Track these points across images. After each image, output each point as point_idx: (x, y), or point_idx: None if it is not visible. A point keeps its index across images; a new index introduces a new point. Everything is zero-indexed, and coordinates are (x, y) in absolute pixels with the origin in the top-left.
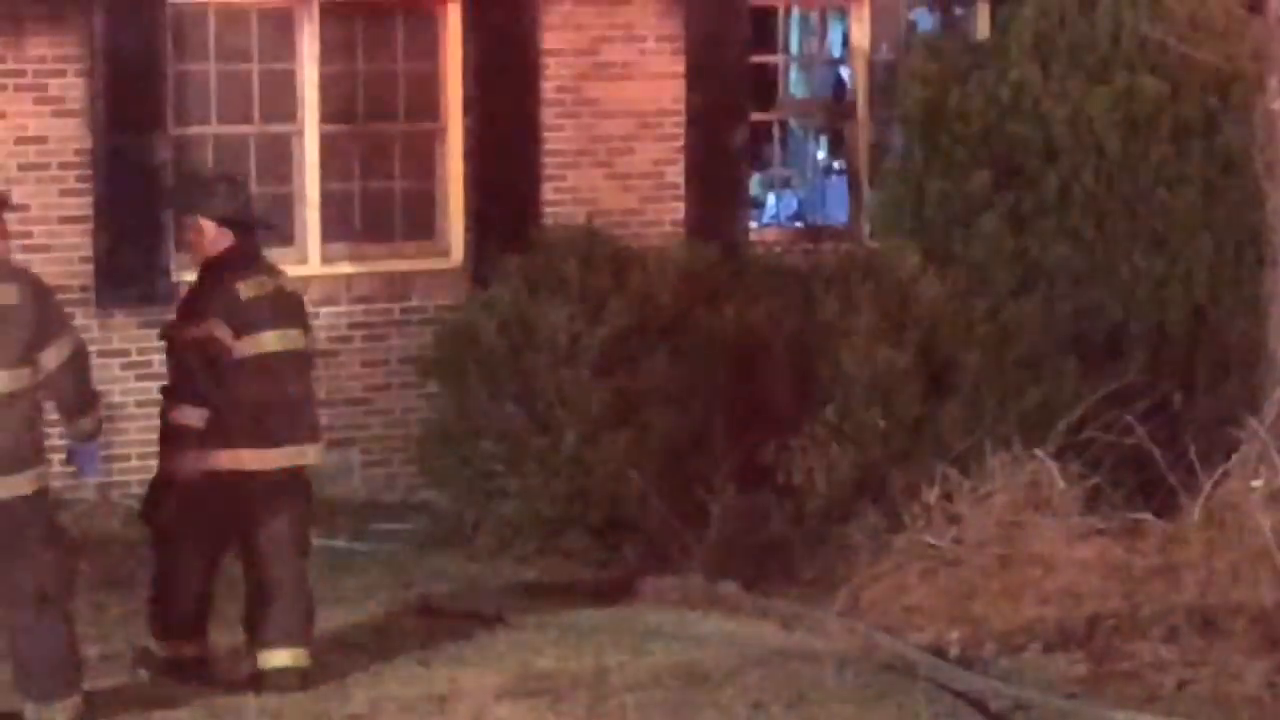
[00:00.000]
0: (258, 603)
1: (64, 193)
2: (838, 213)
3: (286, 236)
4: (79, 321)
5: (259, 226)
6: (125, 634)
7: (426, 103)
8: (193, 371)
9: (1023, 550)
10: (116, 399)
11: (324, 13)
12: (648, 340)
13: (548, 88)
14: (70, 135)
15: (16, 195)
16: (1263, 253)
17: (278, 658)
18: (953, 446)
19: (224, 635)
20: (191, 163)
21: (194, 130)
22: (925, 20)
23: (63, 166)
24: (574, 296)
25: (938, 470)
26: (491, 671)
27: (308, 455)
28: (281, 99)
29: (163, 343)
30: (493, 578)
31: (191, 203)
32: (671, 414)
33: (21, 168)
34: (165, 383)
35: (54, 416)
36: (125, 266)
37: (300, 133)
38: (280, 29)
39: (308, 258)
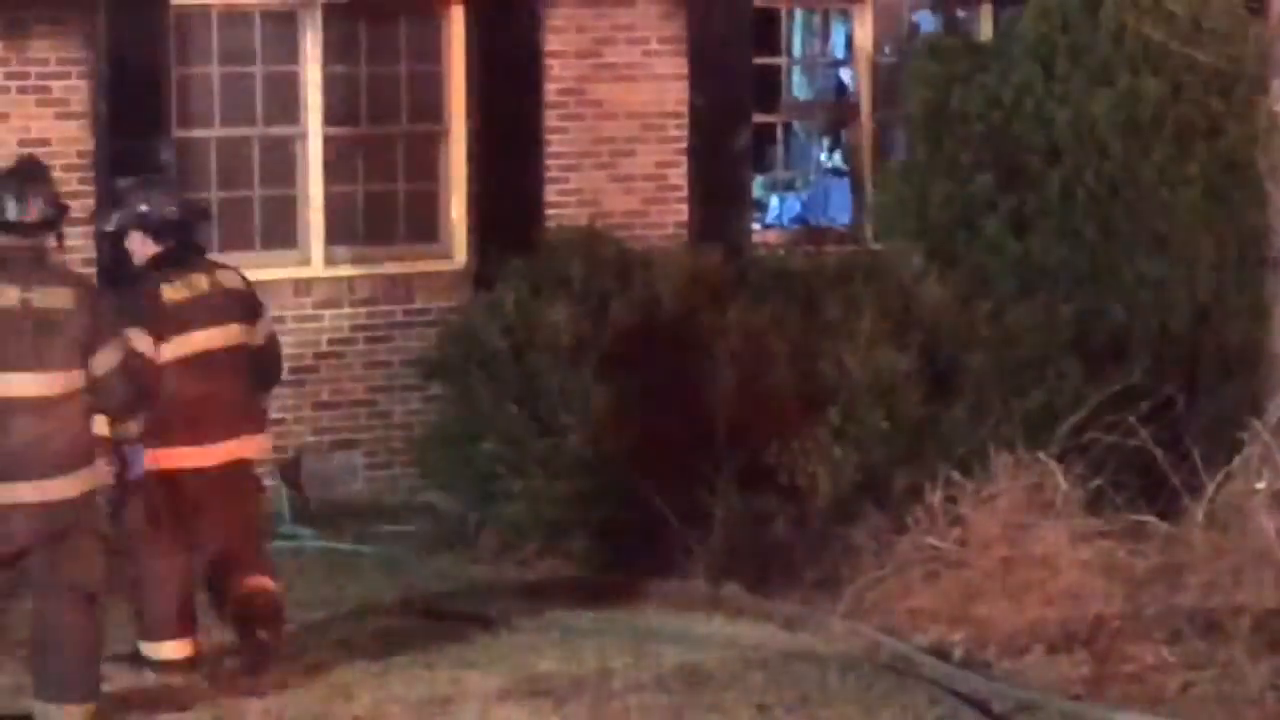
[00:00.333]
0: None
1: (67, 195)
2: (840, 215)
3: (290, 239)
4: None
5: (190, 226)
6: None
7: (430, 105)
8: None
9: (1026, 552)
10: None
11: (327, 15)
12: (651, 342)
13: (551, 90)
14: (73, 138)
15: None
16: (1265, 254)
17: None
18: (956, 448)
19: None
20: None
21: (197, 133)
22: (928, 22)
23: (66, 169)
24: (577, 298)
25: (941, 472)
26: (495, 673)
27: (250, 448)
28: (285, 101)
29: None
30: (496, 580)
31: (122, 224)
32: (674, 416)
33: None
34: None
35: None
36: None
37: (303, 135)
38: (283, 31)
39: (311, 260)
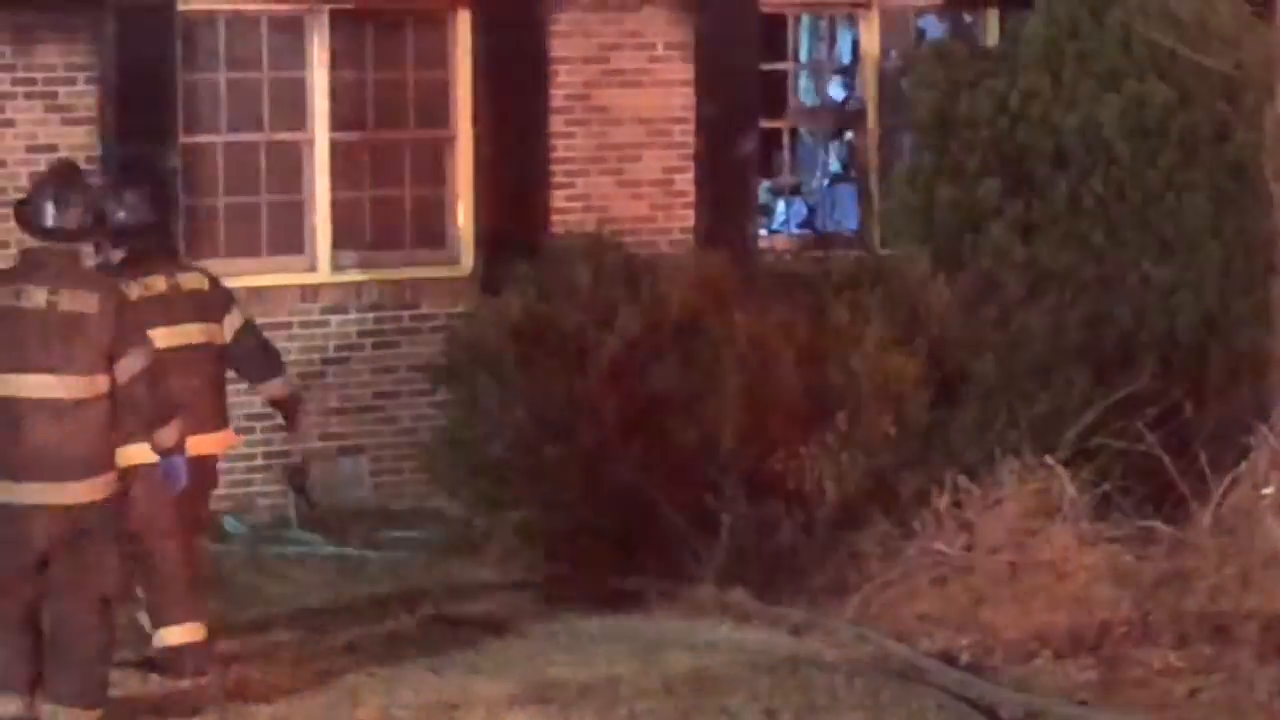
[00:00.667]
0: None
1: None
2: (847, 220)
3: (297, 244)
4: None
5: (151, 229)
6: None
7: (436, 110)
8: None
9: (1033, 557)
10: None
11: (334, 21)
12: (658, 348)
13: (557, 95)
14: (80, 144)
15: None
16: (1273, 260)
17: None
18: (963, 454)
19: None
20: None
21: (204, 138)
22: (934, 27)
23: None
24: (584, 304)
25: (948, 477)
26: (503, 679)
27: (215, 444)
28: (292, 107)
29: None
30: (503, 585)
31: (92, 231)
32: (682, 422)
33: (32, 176)
34: None
35: None
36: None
37: (310, 141)
38: (290, 37)
39: (318, 265)
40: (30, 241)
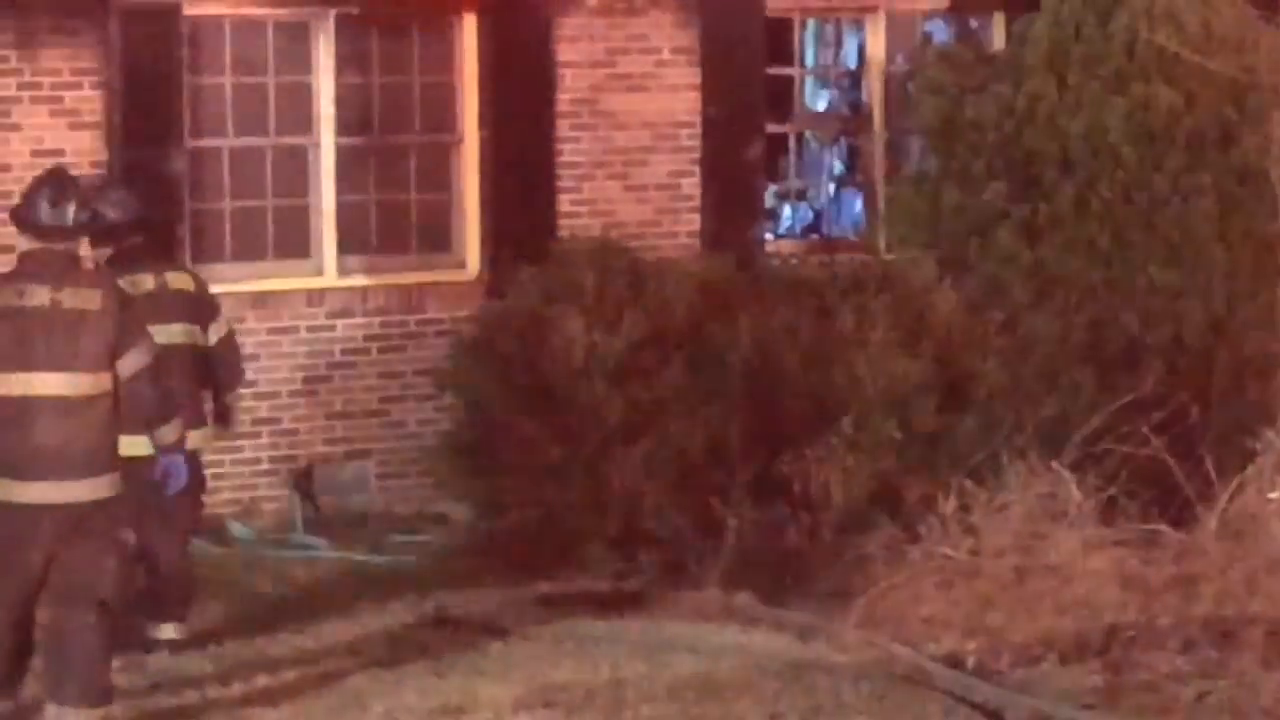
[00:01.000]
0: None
1: None
2: (853, 224)
3: (302, 249)
4: None
5: (139, 228)
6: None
7: (442, 115)
8: None
9: (1039, 561)
10: None
11: (340, 25)
12: (663, 352)
13: (563, 99)
14: (86, 148)
15: None
16: (1279, 263)
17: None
18: (969, 458)
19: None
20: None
21: (210, 142)
22: (940, 31)
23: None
24: (590, 308)
25: (954, 481)
26: (507, 683)
27: (193, 440)
28: (297, 111)
29: None
30: (508, 589)
31: (85, 229)
32: (687, 426)
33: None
34: None
35: None
36: None
37: (316, 145)
38: (296, 41)
39: (323, 270)
40: (25, 245)
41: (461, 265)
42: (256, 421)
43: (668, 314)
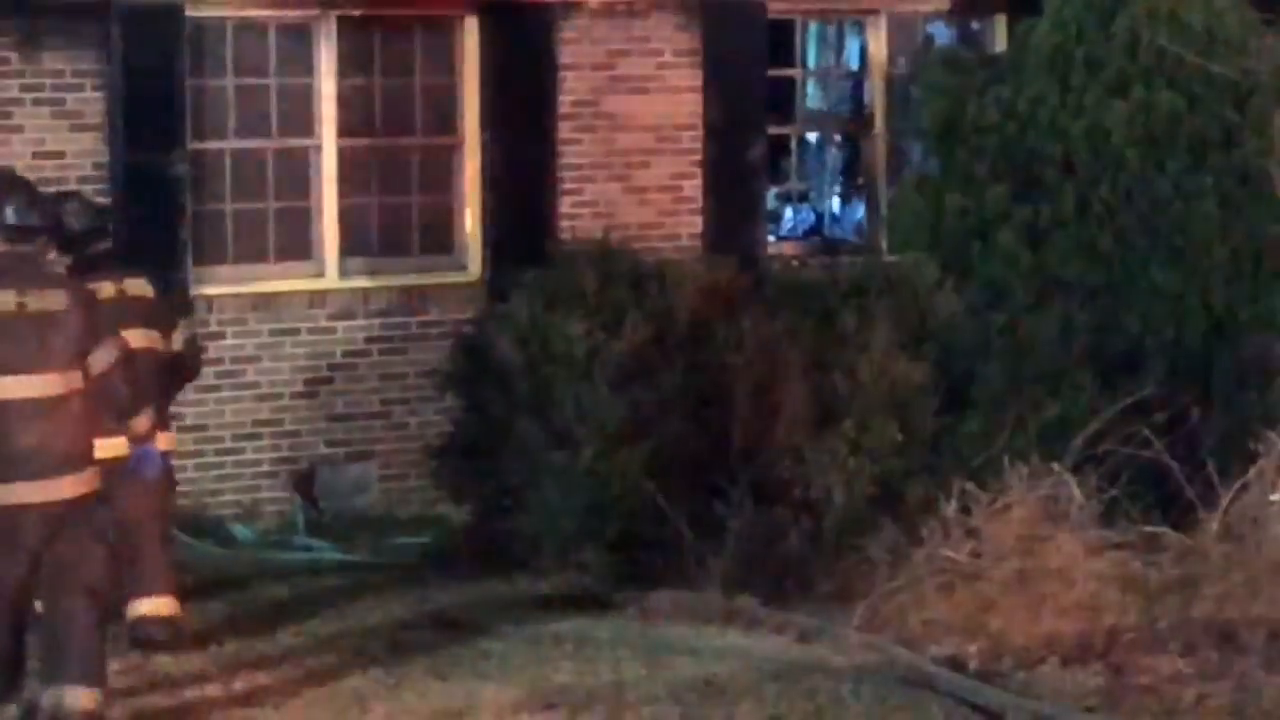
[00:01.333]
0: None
1: None
2: (855, 226)
3: (304, 251)
4: None
5: (98, 235)
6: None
7: (444, 117)
8: None
9: (1041, 564)
10: None
11: (341, 27)
12: (665, 354)
13: (565, 101)
14: (88, 150)
15: None
16: None
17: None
18: (970, 460)
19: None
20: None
21: (212, 145)
22: (942, 33)
23: (80, 181)
24: (591, 310)
25: (955, 484)
26: (509, 685)
27: (160, 443)
28: (299, 113)
29: None
30: (509, 592)
31: (48, 231)
32: (689, 428)
33: (39, 182)
34: None
35: None
36: None
37: (318, 147)
38: (298, 43)
39: (325, 272)
40: None
41: (463, 267)
42: (258, 423)
43: (669, 316)
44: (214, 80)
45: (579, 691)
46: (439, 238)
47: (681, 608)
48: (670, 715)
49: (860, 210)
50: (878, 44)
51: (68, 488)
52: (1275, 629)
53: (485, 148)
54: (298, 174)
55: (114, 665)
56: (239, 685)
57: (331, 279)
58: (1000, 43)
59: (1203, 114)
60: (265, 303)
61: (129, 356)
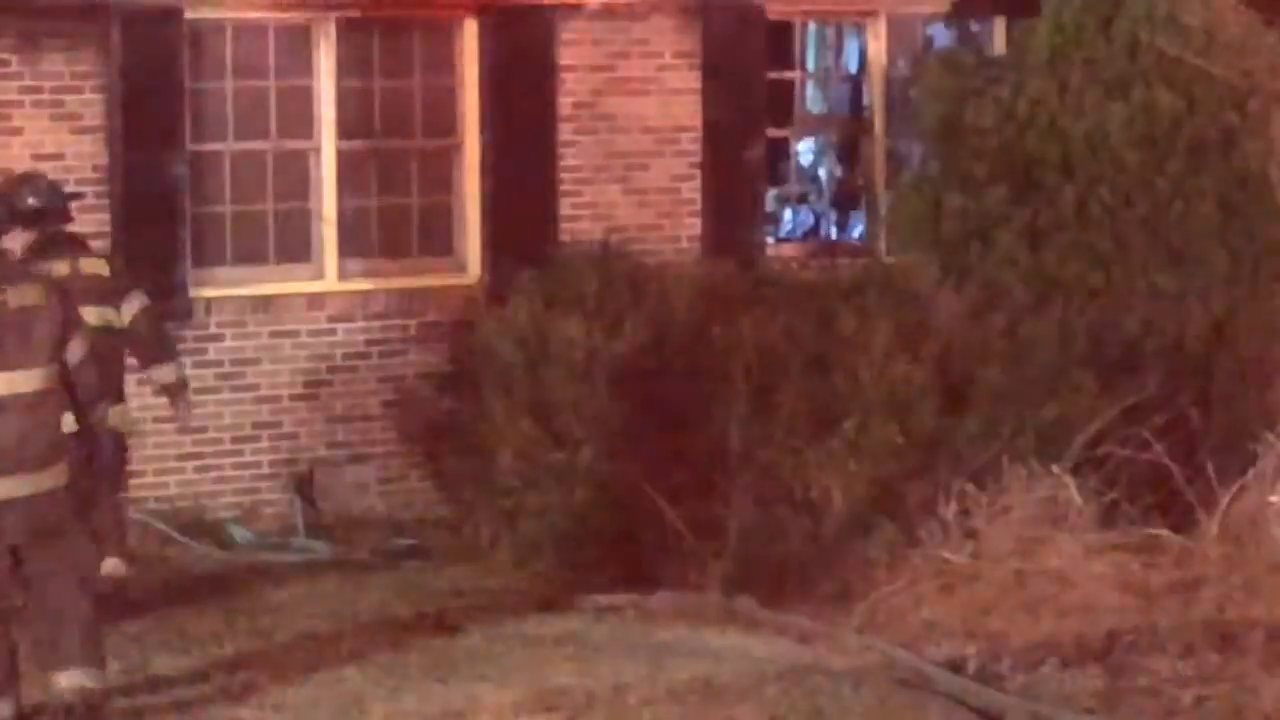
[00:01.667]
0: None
1: (81, 209)
2: (854, 228)
3: (303, 253)
4: None
5: (54, 215)
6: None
7: (443, 119)
8: None
9: (1040, 565)
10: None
11: (341, 29)
12: (664, 356)
13: (564, 103)
14: (87, 152)
15: None
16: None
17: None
18: (970, 462)
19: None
20: None
21: (211, 146)
22: (942, 35)
23: (80, 184)
24: (590, 312)
25: (954, 485)
26: (509, 687)
27: (112, 418)
28: (298, 115)
29: None
30: (510, 593)
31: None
32: (688, 429)
33: None
34: None
35: None
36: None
37: (317, 149)
38: (297, 45)
39: (324, 274)
40: None
41: (462, 269)
42: (257, 425)
43: (668, 318)
44: (213, 82)
45: (579, 693)
46: (438, 239)
47: (681, 609)
48: (670, 716)
49: (859, 212)
50: (877, 46)
51: (48, 480)
52: (1274, 631)
53: (485, 150)
54: (297, 176)
55: (114, 665)
56: (237, 686)
57: (331, 281)
58: (999, 44)
59: (1202, 116)
60: (264, 305)
61: (92, 346)
